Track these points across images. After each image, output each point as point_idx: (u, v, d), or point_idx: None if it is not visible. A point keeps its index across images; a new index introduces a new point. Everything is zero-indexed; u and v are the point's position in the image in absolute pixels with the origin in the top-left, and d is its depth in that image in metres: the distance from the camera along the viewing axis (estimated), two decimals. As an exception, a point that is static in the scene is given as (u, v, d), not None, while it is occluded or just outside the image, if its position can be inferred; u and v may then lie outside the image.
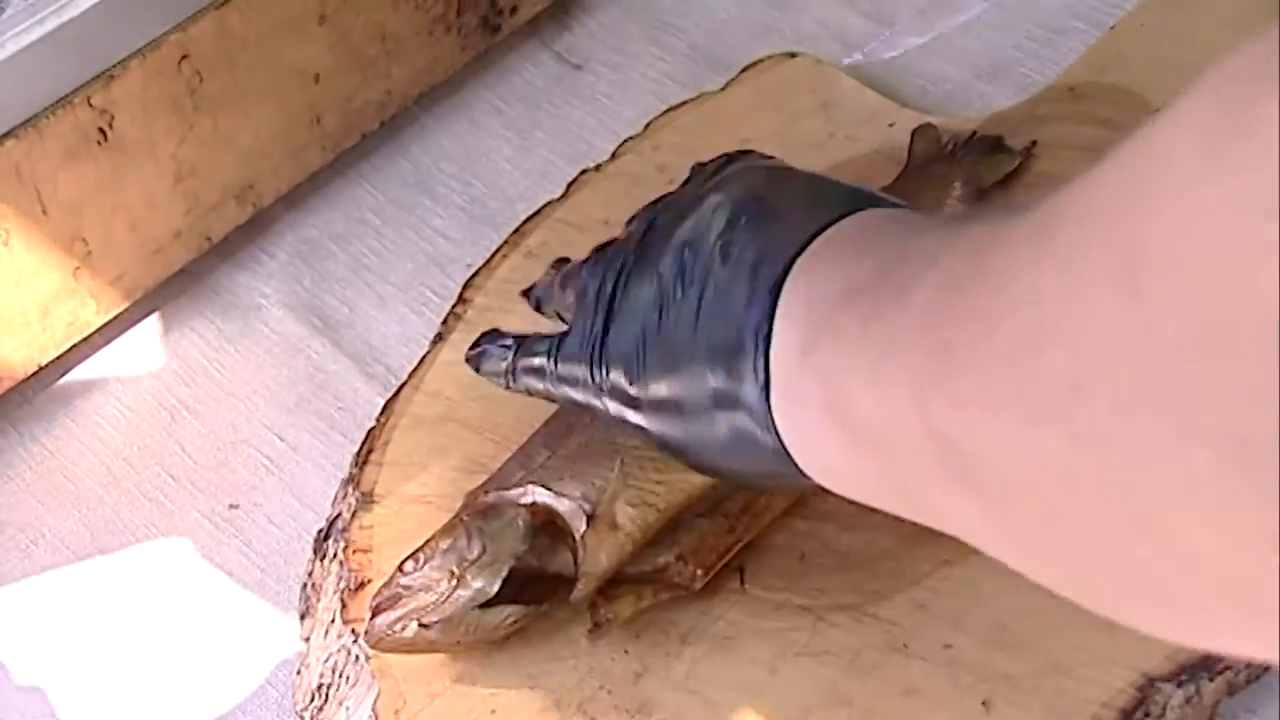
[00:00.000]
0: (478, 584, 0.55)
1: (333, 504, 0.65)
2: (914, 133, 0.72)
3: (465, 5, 0.80)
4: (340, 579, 0.60)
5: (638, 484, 0.56)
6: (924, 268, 0.40)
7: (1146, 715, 0.54)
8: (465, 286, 0.70)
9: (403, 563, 0.57)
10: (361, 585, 0.60)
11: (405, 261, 0.76)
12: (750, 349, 0.47)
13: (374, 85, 0.78)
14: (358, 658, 0.58)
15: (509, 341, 0.58)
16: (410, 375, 0.67)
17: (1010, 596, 0.57)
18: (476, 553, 0.55)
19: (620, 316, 0.54)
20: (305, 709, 0.60)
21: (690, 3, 0.86)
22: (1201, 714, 0.56)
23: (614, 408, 0.54)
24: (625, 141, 0.76)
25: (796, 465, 0.47)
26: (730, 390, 0.48)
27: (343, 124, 0.78)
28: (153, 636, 0.65)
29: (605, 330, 0.54)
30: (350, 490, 0.63)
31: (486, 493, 0.58)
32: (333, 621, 0.60)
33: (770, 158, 0.59)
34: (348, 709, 0.58)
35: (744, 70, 0.78)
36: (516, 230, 0.72)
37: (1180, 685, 0.54)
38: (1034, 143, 0.71)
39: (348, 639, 0.59)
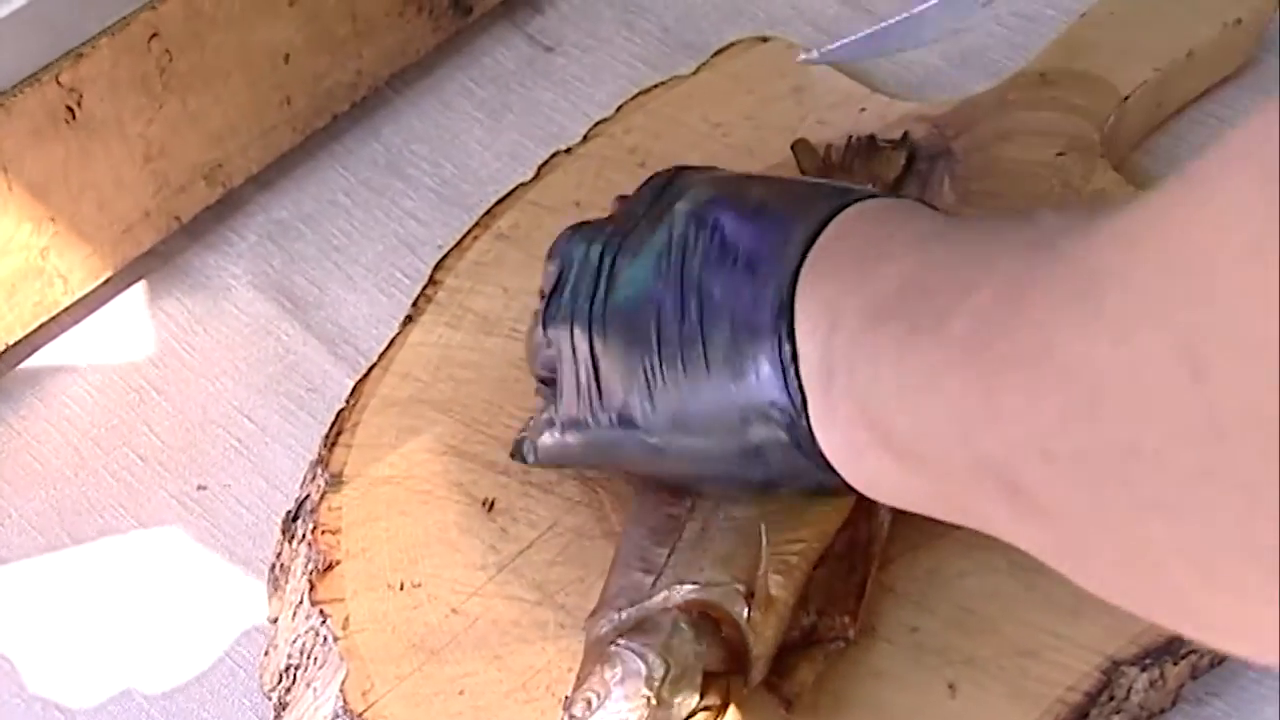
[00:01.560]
0: (679, 699, 0.52)
1: (301, 485, 0.64)
2: (794, 149, 0.71)
3: (437, -14, 0.80)
4: (309, 560, 0.60)
5: (778, 551, 0.54)
6: (959, 295, 0.40)
7: (1111, 698, 0.54)
8: (436, 268, 0.70)
9: (570, 707, 0.53)
10: (330, 567, 0.60)
11: (376, 243, 0.76)
12: (778, 371, 0.48)
13: (345, 66, 0.78)
14: (325, 639, 0.58)
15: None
16: (380, 357, 0.67)
17: (975, 580, 0.57)
18: (662, 671, 0.52)
19: (608, 349, 0.54)
20: (273, 689, 0.60)
21: (663, -14, 0.86)
22: (1165, 697, 0.56)
23: (620, 437, 0.54)
24: (597, 124, 0.75)
25: (840, 477, 0.48)
26: (762, 409, 0.49)
27: (313, 104, 0.78)
28: (121, 617, 0.65)
29: (595, 368, 0.54)
30: (319, 471, 0.63)
31: (601, 614, 0.55)
32: (300, 603, 0.60)
33: (705, 168, 0.59)
34: (315, 690, 0.58)
35: (716, 54, 0.78)
36: (488, 212, 0.72)
37: (1144, 669, 0.55)
38: (905, 134, 0.71)
39: (316, 620, 0.58)
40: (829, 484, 0.49)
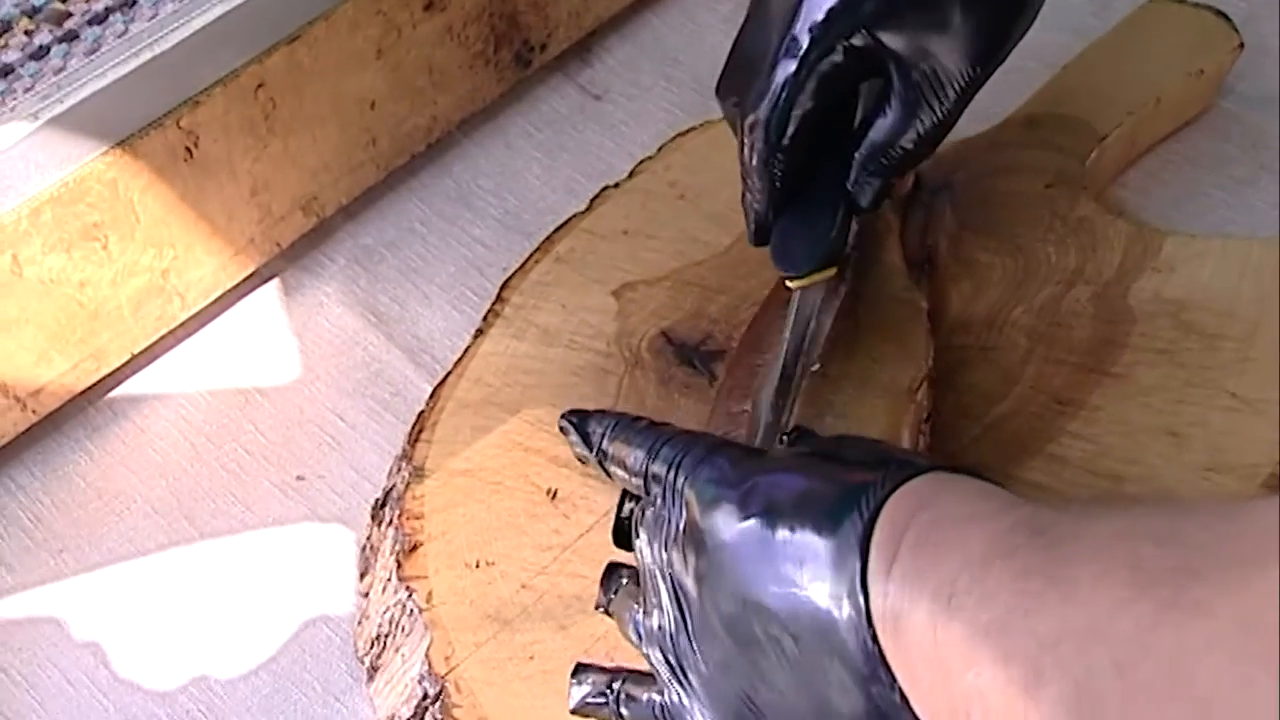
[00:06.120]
0: None
1: (388, 476, 0.63)
2: None
3: (501, 43, 0.79)
4: (395, 542, 0.59)
5: None
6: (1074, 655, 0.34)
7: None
8: (502, 287, 0.69)
9: None
10: (414, 547, 0.59)
11: (449, 265, 0.75)
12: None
13: (422, 112, 0.77)
14: (411, 611, 0.57)
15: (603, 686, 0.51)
16: (455, 364, 0.66)
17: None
18: None
19: (699, 692, 0.47)
20: (366, 655, 0.59)
21: (696, 43, 0.85)
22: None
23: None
24: (640, 162, 0.74)
25: None
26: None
27: (395, 145, 0.77)
28: (229, 592, 0.64)
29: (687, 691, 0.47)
30: (403, 464, 0.62)
31: None
32: (389, 580, 0.59)
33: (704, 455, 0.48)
34: (403, 656, 0.57)
35: (743, 101, 0.77)
36: (546, 239, 0.71)
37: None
38: None
39: (403, 594, 0.57)
40: None
